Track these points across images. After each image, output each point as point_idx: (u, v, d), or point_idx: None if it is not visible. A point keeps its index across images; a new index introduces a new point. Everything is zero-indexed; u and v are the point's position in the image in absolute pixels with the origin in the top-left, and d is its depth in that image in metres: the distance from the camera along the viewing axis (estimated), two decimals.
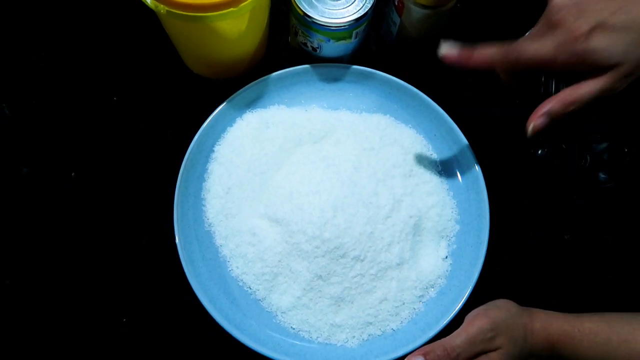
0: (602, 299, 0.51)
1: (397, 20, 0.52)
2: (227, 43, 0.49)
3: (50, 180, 0.51)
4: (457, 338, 0.42)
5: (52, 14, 0.58)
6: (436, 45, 0.57)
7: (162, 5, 0.41)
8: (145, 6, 0.42)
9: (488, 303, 0.44)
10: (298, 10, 0.48)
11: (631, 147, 0.52)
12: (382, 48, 0.58)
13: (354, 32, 0.49)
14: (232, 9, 0.42)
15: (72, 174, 0.52)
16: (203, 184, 0.50)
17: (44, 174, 0.51)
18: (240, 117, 0.52)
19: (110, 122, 0.54)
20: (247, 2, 0.42)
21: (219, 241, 0.49)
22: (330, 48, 0.51)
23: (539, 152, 0.54)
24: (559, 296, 0.51)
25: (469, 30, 0.59)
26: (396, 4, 0.50)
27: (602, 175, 0.53)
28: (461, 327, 0.42)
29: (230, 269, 0.48)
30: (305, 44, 0.52)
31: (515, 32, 0.59)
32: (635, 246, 0.52)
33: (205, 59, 0.53)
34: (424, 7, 0.48)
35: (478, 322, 0.42)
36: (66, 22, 0.57)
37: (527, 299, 0.46)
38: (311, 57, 0.54)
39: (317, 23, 0.48)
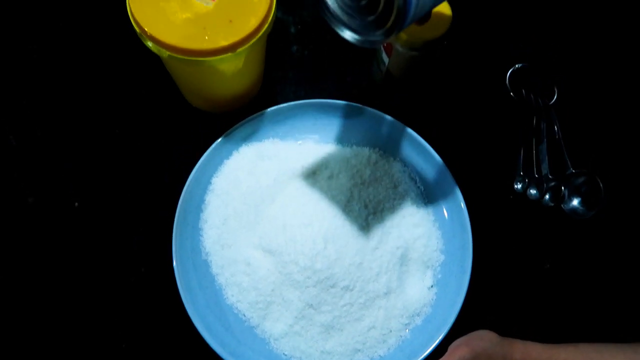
0: (581, 326, 0.53)
1: (386, 59, 0.55)
2: (225, 81, 0.52)
3: (54, 210, 0.54)
4: None
5: (62, 50, 0.60)
6: (423, 83, 0.61)
7: (164, 50, 0.44)
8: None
9: (470, 333, 0.47)
10: None
11: (606, 180, 0.55)
12: (371, 84, 0.61)
13: None
14: (230, 53, 0.45)
15: (76, 203, 0.54)
16: (201, 214, 0.52)
17: (48, 203, 0.54)
18: (237, 150, 0.55)
19: (113, 153, 0.56)
20: (244, 47, 0.45)
21: (215, 270, 0.51)
22: None
23: (520, 185, 0.56)
24: (540, 324, 0.53)
25: (454, 68, 0.62)
26: (384, 44, 0.53)
27: (580, 207, 0.56)
28: (444, 357, 0.45)
29: (225, 297, 0.50)
30: None
31: (499, 70, 0.62)
32: (612, 275, 0.55)
33: (204, 95, 0.56)
34: (411, 49, 0.51)
35: (460, 351, 0.44)
36: (74, 57, 0.60)
37: (508, 326, 0.48)
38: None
39: None
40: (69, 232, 0.53)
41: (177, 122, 0.58)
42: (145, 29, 0.44)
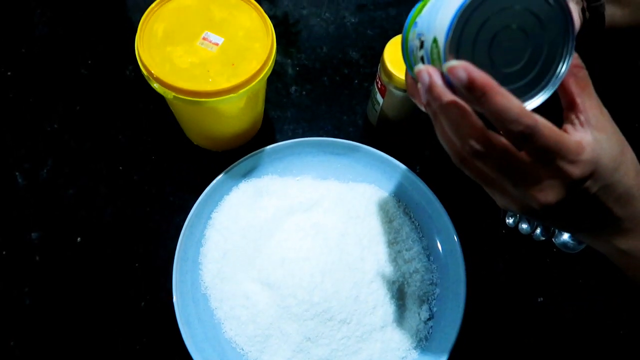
0: (573, 357, 0.54)
1: (381, 100, 0.57)
2: (227, 120, 0.55)
3: (57, 245, 0.55)
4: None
5: (69, 89, 0.63)
6: (417, 121, 0.63)
7: (169, 91, 0.46)
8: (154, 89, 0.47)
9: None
10: None
11: None
12: (367, 123, 0.63)
13: None
14: (232, 94, 0.47)
15: (78, 239, 0.55)
16: (200, 249, 0.54)
17: (51, 238, 0.55)
18: (237, 186, 0.57)
19: (115, 189, 0.58)
20: (245, 89, 0.47)
21: (214, 304, 0.52)
22: None
23: (511, 220, 0.58)
24: (534, 356, 0.54)
25: None
26: (379, 86, 0.56)
27: (570, 241, 0.57)
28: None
29: (224, 330, 0.51)
30: None
31: None
32: (604, 306, 0.56)
33: (206, 134, 0.58)
34: (404, 90, 0.54)
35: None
36: (81, 96, 0.63)
37: (503, 358, 0.49)
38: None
39: None
40: (70, 267, 0.54)
41: (180, 160, 0.60)
42: (152, 72, 0.46)
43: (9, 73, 0.63)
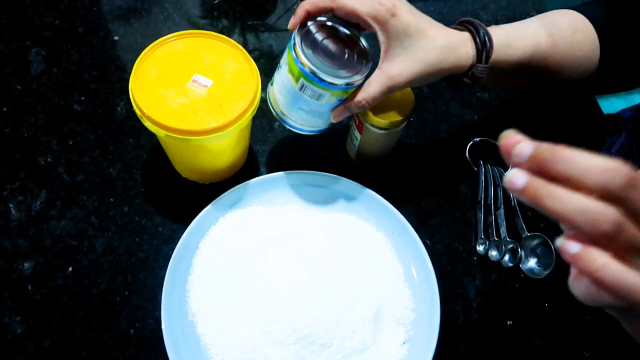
0: None
1: (358, 136, 0.61)
2: (214, 156, 0.58)
3: (49, 274, 0.57)
4: None
5: (62, 125, 0.66)
6: (393, 154, 0.68)
7: (161, 130, 0.50)
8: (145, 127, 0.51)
9: None
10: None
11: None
12: (347, 157, 0.67)
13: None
14: (219, 133, 0.51)
15: (70, 268, 0.57)
16: (188, 277, 0.56)
17: (44, 268, 0.57)
18: (223, 216, 0.60)
19: (107, 220, 0.60)
20: (232, 127, 0.51)
21: (201, 330, 0.54)
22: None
23: (481, 247, 0.62)
24: None
25: (422, 141, 0.69)
26: (357, 123, 0.60)
27: (536, 267, 0.61)
28: None
29: (210, 356, 0.53)
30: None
31: (460, 142, 0.69)
32: (568, 325, 0.60)
33: (194, 168, 0.61)
34: (379, 128, 0.58)
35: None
36: (72, 133, 0.65)
37: None
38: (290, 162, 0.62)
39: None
40: (61, 296, 0.56)
41: (169, 192, 0.63)
42: (145, 112, 0.50)
43: (4, 109, 0.66)
